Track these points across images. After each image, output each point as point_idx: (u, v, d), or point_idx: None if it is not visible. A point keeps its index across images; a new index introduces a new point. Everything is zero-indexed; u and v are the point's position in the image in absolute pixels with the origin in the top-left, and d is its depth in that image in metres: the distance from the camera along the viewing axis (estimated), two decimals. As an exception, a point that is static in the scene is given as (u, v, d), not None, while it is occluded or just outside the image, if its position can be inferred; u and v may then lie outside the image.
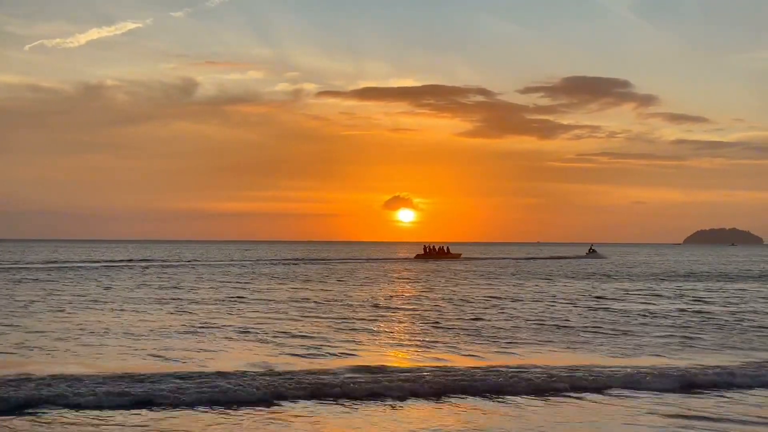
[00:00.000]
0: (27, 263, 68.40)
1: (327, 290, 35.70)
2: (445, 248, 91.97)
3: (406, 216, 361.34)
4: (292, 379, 12.69)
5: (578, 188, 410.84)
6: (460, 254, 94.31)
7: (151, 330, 19.71)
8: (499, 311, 25.91)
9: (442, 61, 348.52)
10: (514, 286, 40.01)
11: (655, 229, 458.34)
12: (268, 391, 11.90)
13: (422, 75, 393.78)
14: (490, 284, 41.10)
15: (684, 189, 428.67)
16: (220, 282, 41.62)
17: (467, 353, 16.39)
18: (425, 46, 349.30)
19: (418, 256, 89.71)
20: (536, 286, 40.51)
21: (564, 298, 31.84)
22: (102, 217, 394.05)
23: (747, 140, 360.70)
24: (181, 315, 23.81)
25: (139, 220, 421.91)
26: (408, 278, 47.13)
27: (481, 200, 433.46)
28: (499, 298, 31.97)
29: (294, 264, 74.62)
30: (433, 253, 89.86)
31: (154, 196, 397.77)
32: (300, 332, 19.49)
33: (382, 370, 13.76)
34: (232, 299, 29.72)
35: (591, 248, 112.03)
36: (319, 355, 15.85)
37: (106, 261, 75.30)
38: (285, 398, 11.66)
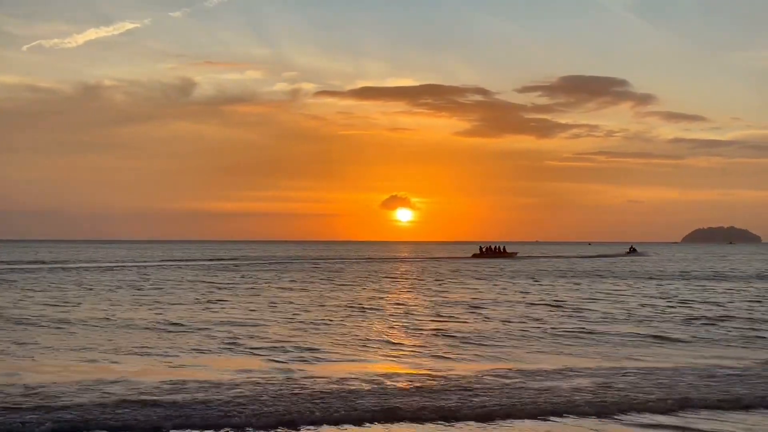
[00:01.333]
0: (13, 263, 68.33)
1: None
2: (501, 248, 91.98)
3: (404, 215, 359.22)
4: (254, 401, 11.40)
5: (576, 187, 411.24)
6: (516, 253, 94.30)
7: (119, 336, 18.58)
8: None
9: (440, 61, 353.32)
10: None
11: (652, 227, 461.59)
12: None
13: (420, 74, 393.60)
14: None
15: (681, 188, 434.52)
16: (209, 283, 40.96)
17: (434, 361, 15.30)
18: (423, 45, 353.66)
19: (474, 255, 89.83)
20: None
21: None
22: (100, 218, 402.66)
23: (744, 139, 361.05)
24: (156, 317, 22.96)
25: (137, 220, 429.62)
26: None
27: (479, 199, 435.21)
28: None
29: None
30: (489, 253, 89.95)
31: (152, 197, 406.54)
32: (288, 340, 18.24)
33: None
34: (214, 301, 28.64)
35: (632, 247, 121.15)
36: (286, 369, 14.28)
37: (98, 261, 74.81)
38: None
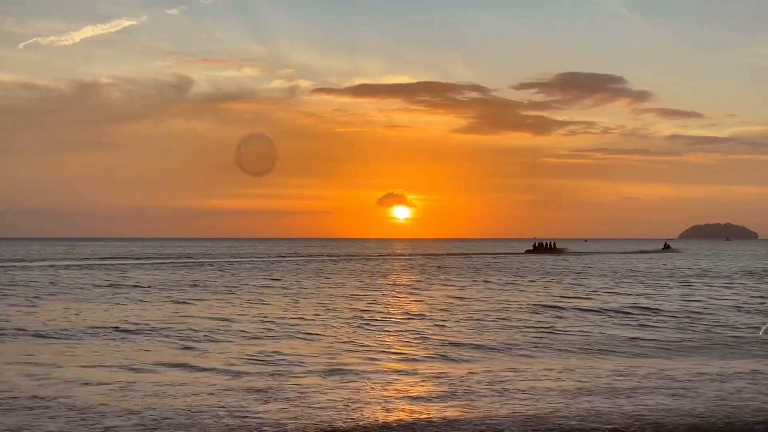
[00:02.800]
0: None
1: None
2: (552, 244, 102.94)
3: (401, 213, 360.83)
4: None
5: (573, 184, 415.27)
6: (565, 249, 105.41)
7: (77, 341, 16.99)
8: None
9: (437, 58, 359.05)
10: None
11: (649, 224, 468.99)
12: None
13: (417, 71, 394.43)
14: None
15: (678, 184, 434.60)
16: (192, 282, 39.36)
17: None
18: (420, 42, 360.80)
19: (528, 251, 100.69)
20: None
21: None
22: (97, 216, 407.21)
23: (741, 135, 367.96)
24: (120, 320, 21.21)
25: (133, 218, 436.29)
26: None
27: (476, 196, 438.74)
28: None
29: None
30: (541, 249, 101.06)
31: (148, 194, 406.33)
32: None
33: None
34: (188, 302, 27.46)
35: (666, 244, 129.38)
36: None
37: (89, 259, 73.34)
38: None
